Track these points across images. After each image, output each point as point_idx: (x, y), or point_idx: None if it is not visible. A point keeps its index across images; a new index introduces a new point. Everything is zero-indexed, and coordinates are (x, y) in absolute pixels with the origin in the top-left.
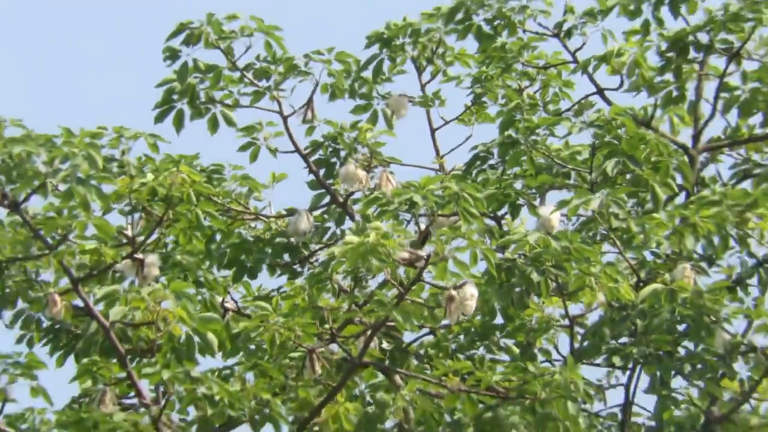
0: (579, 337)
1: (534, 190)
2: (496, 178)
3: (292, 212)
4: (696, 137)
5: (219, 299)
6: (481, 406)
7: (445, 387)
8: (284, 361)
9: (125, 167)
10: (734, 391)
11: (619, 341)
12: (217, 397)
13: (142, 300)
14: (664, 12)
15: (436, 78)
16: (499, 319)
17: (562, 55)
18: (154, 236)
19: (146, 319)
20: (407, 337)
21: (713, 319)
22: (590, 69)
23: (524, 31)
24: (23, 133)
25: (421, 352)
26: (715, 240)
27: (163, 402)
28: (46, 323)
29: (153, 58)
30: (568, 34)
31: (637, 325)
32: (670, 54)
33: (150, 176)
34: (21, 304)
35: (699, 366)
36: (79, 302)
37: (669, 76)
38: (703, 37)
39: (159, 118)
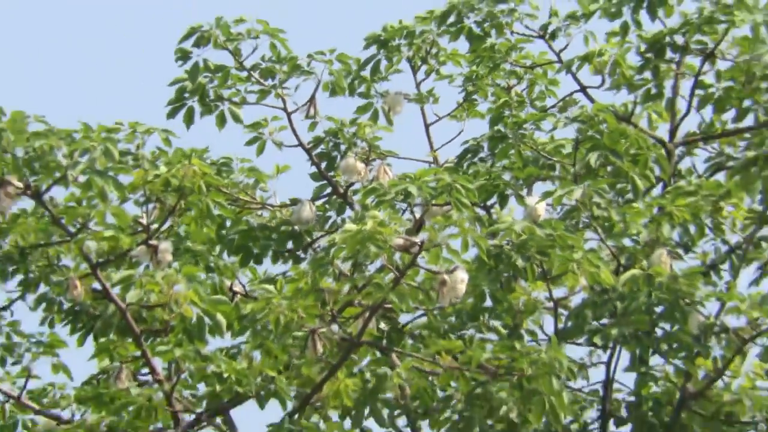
0: (563, 319)
1: (521, 182)
2: (485, 170)
3: (295, 202)
4: (673, 132)
5: (228, 283)
6: (472, 382)
7: (438, 365)
8: (288, 340)
9: (140, 160)
10: (708, 368)
11: (601, 322)
12: (225, 374)
13: (156, 283)
14: (643, 15)
15: (430, 77)
16: (488, 302)
17: (548, 56)
18: (167, 224)
19: (160, 301)
20: (403, 318)
21: (688, 301)
22: (574, 68)
23: (512, 33)
24: (45, 128)
25: (416, 332)
26: (691, 228)
27: (175, 378)
28: (66, 305)
29: (163, 58)
30: (553, 35)
31: (617, 308)
32: (648, 54)
33: (163, 168)
34: (43, 288)
35: (675, 345)
36: (97, 286)
37: (647, 75)
38: (679, 39)
39: (171, 115)
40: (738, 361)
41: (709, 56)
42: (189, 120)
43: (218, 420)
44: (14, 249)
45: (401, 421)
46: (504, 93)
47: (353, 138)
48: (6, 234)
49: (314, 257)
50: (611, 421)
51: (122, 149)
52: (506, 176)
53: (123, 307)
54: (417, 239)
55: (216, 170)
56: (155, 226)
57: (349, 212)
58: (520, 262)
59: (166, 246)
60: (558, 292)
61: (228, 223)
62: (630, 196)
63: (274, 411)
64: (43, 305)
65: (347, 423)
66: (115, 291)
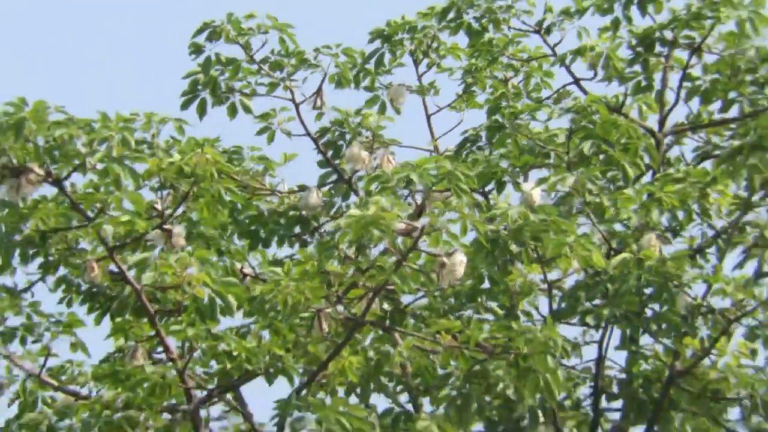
0: (557, 300)
1: (518, 169)
2: (484, 158)
3: (303, 189)
4: (662, 122)
5: (238, 266)
6: (470, 360)
7: (439, 344)
8: (295, 320)
9: (155, 148)
10: (695, 347)
11: (593, 303)
12: (235, 353)
13: (170, 266)
14: (633, 11)
15: (431, 69)
16: (486, 284)
17: (543, 50)
18: (181, 210)
19: (173, 283)
20: (405, 299)
21: (676, 283)
22: (567, 62)
23: (509, 28)
24: (65, 118)
25: (417, 312)
26: (679, 213)
27: (187, 357)
28: (84, 287)
29: (177, 52)
30: (548, 30)
31: (609, 289)
32: (638, 48)
33: (177, 156)
34: (62, 270)
35: (664, 325)
36: (114, 268)
37: (638, 68)
38: (668, 34)
39: (184, 106)
40: (724, 340)
41: (696, 50)
42: (202, 111)
43: (229, 396)
44: (35, 233)
45: (403, 398)
46: (501, 85)
47: (358, 128)
48: (27, 219)
49: (320, 241)
50: (603, 397)
51: (138, 138)
52: (503, 164)
53: (138, 288)
54: (418, 224)
55: (227, 158)
56: (169, 211)
57: (353, 198)
58: (514, 248)
59: (179, 230)
60: (552, 275)
61: (240, 206)
62: (621, 183)
63: (282, 387)
64: (62, 287)
65: (353, 399)
66: (131, 273)
